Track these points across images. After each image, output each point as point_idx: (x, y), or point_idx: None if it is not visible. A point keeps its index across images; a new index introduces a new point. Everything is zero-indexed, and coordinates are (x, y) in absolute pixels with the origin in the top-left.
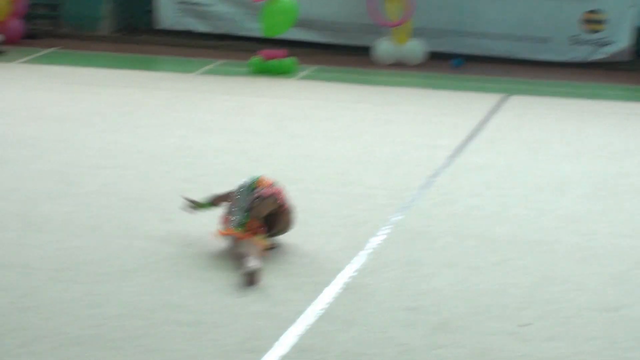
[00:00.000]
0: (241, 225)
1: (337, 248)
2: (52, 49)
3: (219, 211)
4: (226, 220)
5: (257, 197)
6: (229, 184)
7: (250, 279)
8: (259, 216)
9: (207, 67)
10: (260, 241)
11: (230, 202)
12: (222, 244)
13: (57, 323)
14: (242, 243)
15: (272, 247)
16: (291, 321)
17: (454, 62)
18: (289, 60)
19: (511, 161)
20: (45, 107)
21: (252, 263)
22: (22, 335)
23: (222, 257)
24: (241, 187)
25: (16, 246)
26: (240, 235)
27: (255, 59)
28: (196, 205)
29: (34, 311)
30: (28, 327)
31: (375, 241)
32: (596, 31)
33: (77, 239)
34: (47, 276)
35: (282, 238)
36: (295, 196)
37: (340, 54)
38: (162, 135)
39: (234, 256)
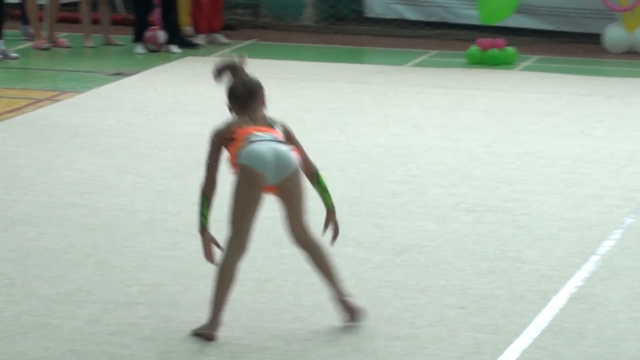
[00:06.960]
0: None
1: (564, 254)
2: (251, 41)
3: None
4: None
5: None
6: (444, 185)
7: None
8: None
9: (419, 59)
10: None
11: None
12: (439, 253)
13: (260, 337)
14: None
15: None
16: (515, 334)
17: None
18: (510, 50)
19: None
20: None
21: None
22: (227, 350)
23: (437, 266)
24: None
25: None
26: None
27: (473, 48)
28: None
29: (238, 324)
30: (231, 342)
31: (605, 246)
32: None
33: (282, 249)
34: (252, 287)
35: (497, 244)
36: (518, 198)
37: (565, 42)
38: (372, 133)
39: None
